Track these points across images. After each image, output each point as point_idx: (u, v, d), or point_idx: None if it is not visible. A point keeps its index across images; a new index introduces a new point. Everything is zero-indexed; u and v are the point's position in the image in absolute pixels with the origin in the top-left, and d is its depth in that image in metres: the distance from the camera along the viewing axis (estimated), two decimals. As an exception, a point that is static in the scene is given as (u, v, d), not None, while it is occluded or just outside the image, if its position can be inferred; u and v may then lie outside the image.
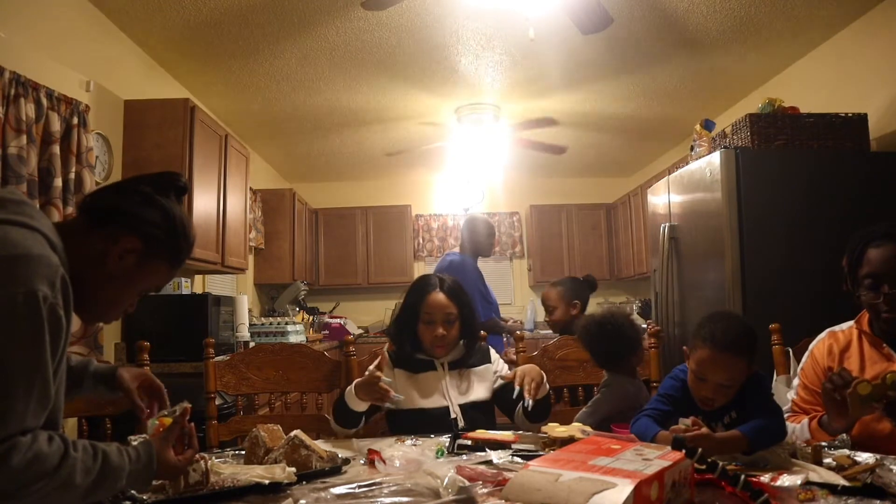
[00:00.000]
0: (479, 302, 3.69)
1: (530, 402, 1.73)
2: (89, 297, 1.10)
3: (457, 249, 4.49)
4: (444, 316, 1.94)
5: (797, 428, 1.64)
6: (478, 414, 1.92)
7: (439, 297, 1.95)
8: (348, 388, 1.81)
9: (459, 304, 1.97)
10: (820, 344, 1.78)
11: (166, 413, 1.25)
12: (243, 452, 1.49)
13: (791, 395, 1.80)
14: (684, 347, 1.60)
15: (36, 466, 0.90)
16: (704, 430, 1.38)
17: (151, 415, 1.31)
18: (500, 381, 2.01)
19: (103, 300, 1.15)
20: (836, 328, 1.79)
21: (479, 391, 1.97)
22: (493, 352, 2.11)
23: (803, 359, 1.82)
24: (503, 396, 1.96)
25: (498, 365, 2.07)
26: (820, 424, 1.58)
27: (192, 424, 1.20)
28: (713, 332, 1.49)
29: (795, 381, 1.82)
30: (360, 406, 1.79)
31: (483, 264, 6.73)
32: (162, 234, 1.16)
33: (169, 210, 1.18)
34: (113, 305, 1.17)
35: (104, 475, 0.98)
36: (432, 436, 1.73)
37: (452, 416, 1.89)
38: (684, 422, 1.41)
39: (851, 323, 1.75)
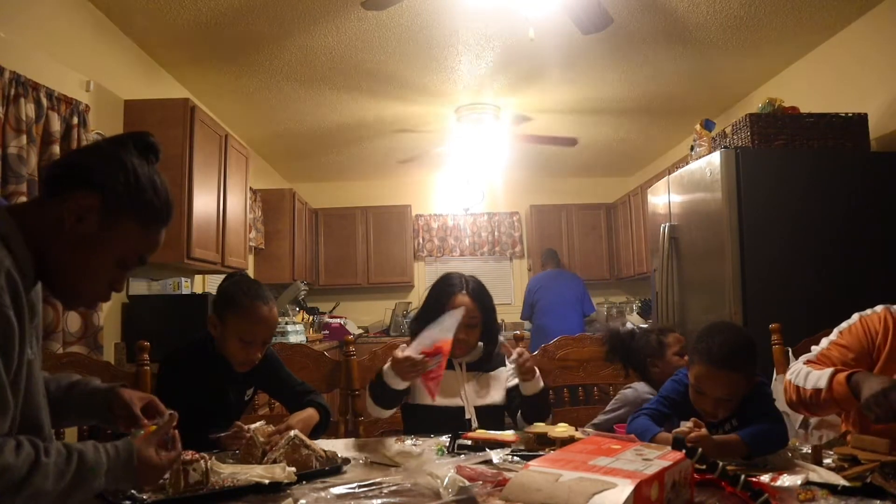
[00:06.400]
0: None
1: (513, 359, 1.76)
2: (59, 275, 1.01)
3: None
4: (467, 319, 1.90)
5: (814, 373, 1.53)
6: (491, 417, 1.91)
7: (465, 299, 1.93)
8: (384, 368, 1.74)
9: (483, 307, 1.96)
10: (874, 317, 1.64)
11: (155, 422, 1.23)
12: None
13: (822, 346, 1.68)
14: (685, 357, 1.59)
15: (5, 479, 0.85)
16: (703, 431, 1.38)
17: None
18: (510, 382, 2.01)
19: (73, 274, 1.02)
20: None
21: (495, 395, 1.97)
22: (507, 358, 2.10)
23: (847, 322, 1.68)
24: (511, 397, 1.97)
25: (510, 368, 2.06)
26: (850, 382, 1.44)
27: (177, 431, 1.15)
28: (710, 347, 1.47)
29: (832, 337, 1.68)
30: (402, 385, 1.74)
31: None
32: (121, 186, 1.02)
33: (124, 160, 1.05)
34: (86, 279, 1.04)
35: (81, 476, 0.94)
36: (432, 435, 1.73)
37: (467, 416, 1.89)
38: (685, 424, 1.41)
39: None
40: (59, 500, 0.92)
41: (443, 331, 1.69)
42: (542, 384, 1.87)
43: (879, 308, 1.66)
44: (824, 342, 1.69)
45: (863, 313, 1.68)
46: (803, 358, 1.67)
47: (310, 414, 1.74)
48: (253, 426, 1.55)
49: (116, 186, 1.02)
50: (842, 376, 1.46)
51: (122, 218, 1.04)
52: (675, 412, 1.56)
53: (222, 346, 1.76)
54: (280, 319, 4.75)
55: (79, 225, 1.00)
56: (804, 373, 1.57)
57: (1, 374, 0.89)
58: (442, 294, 1.97)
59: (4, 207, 0.99)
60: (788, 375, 1.62)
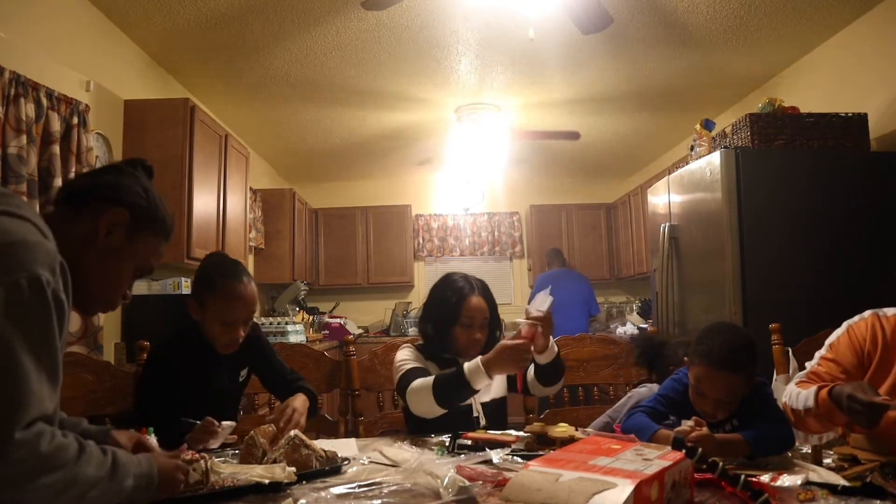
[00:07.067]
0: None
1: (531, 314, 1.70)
2: (85, 283, 1.08)
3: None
4: (482, 320, 1.92)
5: (802, 393, 1.52)
6: (496, 411, 1.94)
7: (479, 300, 1.94)
8: (473, 365, 1.68)
9: (491, 305, 1.97)
10: (862, 324, 1.61)
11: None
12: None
13: (813, 362, 1.66)
14: (685, 358, 1.59)
15: (62, 457, 0.90)
16: (705, 430, 1.38)
17: None
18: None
19: (100, 282, 1.14)
20: (888, 311, 1.59)
21: (498, 388, 1.98)
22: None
23: (836, 334, 1.66)
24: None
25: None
26: (831, 396, 1.42)
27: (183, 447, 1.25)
28: (710, 348, 1.47)
29: (822, 352, 1.66)
30: (484, 382, 1.70)
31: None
32: (143, 203, 1.18)
33: (141, 181, 1.22)
34: (110, 287, 1.16)
35: (115, 469, 0.99)
36: (432, 435, 1.73)
37: (475, 414, 1.89)
38: (686, 423, 1.41)
39: None
40: (97, 489, 0.95)
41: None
42: (556, 350, 1.84)
43: (867, 313, 1.63)
44: (816, 357, 1.67)
45: (850, 321, 1.65)
46: (797, 378, 1.66)
47: (304, 399, 1.77)
48: (226, 423, 1.57)
49: (140, 203, 1.18)
50: (824, 392, 1.45)
51: (143, 232, 1.18)
52: (673, 411, 1.56)
53: (204, 329, 1.77)
54: (280, 319, 4.76)
55: (107, 237, 1.13)
56: (795, 394, 1.56)
57: (57, 352, 0.94)
58: (450, 295, 1.95)
59: (40, 215, 1.06)
60: (784, 398, 1.61)
